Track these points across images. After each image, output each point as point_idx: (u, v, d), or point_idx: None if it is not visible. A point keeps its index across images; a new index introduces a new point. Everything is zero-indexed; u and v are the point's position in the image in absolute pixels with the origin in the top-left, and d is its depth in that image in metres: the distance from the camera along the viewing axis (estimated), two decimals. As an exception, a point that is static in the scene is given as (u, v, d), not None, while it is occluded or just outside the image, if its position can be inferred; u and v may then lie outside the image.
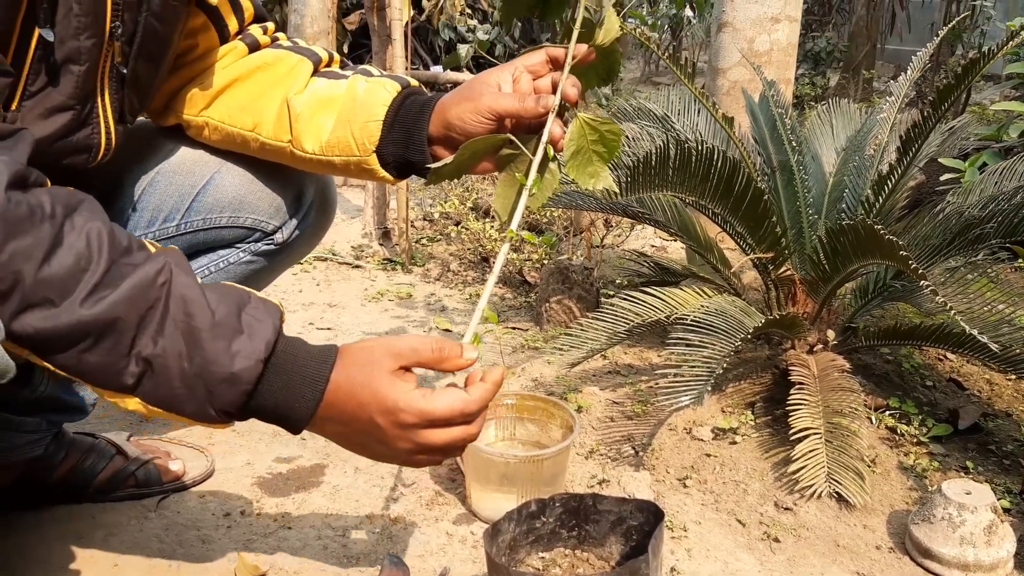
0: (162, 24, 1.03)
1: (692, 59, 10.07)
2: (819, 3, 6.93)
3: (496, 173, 1.04)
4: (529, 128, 1.01)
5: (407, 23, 2.74)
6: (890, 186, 1.71)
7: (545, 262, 2.44)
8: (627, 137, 1.86)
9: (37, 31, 0.87)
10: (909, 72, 1.98)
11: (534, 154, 0.95)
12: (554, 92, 0.99)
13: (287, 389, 0.83)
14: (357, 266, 2.76)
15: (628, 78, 7.93)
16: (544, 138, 0.96)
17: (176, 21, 1.06)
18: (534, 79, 1.03)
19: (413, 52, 5.22)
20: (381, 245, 2.92)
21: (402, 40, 2.70)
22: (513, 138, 0.98)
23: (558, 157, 0.99)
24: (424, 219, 3.27)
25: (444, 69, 4.02)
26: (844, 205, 1.94)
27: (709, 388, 1.37)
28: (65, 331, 0.75)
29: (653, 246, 2.94)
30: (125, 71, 1.01)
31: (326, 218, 1.33)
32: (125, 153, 1.10)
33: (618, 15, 0.99)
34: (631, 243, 2.90)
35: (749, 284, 2.17)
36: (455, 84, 5.65)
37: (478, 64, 6.58)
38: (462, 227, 2.96)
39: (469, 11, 6.86)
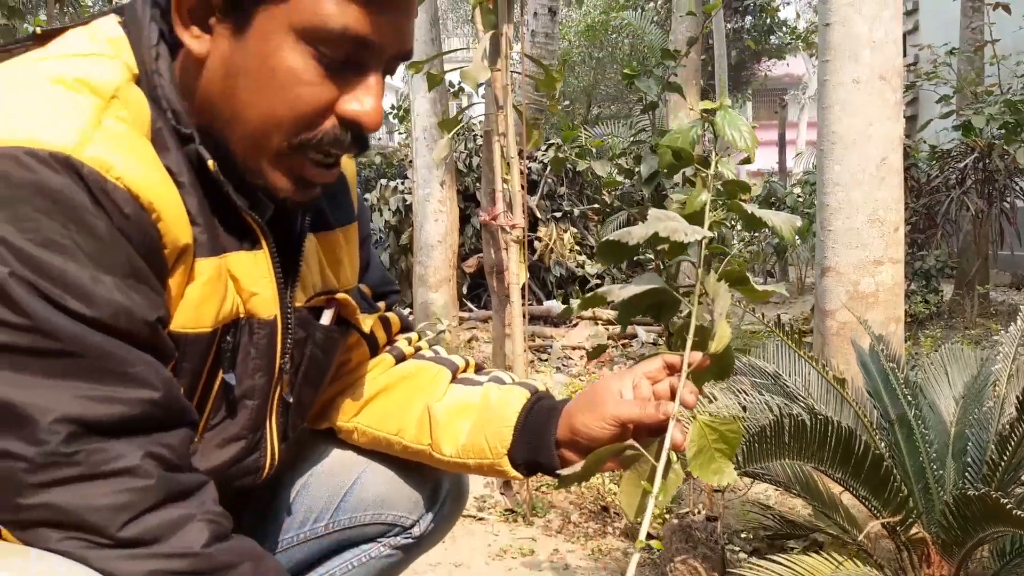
0: (324, 354, 1.17)
1: (800, 276, 10.16)
2: (921, 219, 6.97)
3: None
4: (650, 430, 1.09)
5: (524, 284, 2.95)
6: (1013, 445, 1.70)
7: (667, 516, 2.44)
8: (741, 407, 1.92)
9: (220, 375, 1.03)
10: (1018, 322, 2.01)
11: (657, 457, 1.01)
12: (672, 397, 1.07)
13: None
14: (480, 519, 2.82)
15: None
16: (667, 444, 1.02)
17: (336, 349, 1.21)
18: (652, 383, 1.12)
19: (528, 291, 5.52)
20: (503, 495, 2.98)
21: (519, 301, 2.89)
22: (637, 445, 1.05)
23: (681, 457, 1.05)
24: (543, 463, 3.33)
25: (559, 321, 4.24)
26: (969, 459, 1.91)
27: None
28: None
29: (776, 489, 2.90)
30: (291, 399, 1.15)
31: (460, 506, 1.42)
32: (283, 462, 1.23)
33: (729, 324, 1.09)
34: (754, 488, 2.87)
35: (879, 533, 2.12)
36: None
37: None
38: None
39: (578, 248, 7.24)
